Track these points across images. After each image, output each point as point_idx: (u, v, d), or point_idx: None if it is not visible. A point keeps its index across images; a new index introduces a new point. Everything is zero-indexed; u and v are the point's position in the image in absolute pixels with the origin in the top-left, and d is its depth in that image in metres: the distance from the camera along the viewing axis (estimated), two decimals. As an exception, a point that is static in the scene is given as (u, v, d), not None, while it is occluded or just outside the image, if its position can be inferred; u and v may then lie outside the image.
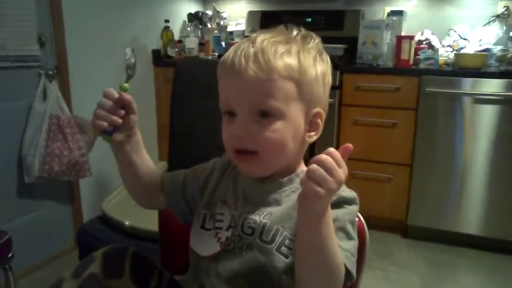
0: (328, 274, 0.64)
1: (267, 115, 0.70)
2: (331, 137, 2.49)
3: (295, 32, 0.75)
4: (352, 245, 0.71)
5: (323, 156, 0.56)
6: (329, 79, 0.77)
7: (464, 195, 2.35)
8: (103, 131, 0.73)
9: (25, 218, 2.08)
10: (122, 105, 0.73)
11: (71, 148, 2.05)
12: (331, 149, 0.57)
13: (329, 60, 0.77)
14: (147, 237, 1.44)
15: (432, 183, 2.40)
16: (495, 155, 2.26)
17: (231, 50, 0.73)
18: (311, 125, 0.75)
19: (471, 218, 2.36)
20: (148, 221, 1.36)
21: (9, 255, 1.40)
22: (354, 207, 0.74)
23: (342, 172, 0.57)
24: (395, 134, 2.44)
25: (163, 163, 2.09)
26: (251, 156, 0.72)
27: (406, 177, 2.45)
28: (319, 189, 0.55)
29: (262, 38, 0.71)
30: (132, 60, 0.83)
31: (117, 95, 0.73)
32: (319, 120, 0.75)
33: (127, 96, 0.74)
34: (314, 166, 0.56)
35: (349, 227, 0.71)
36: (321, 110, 0.75)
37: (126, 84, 0.76)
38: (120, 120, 0.73)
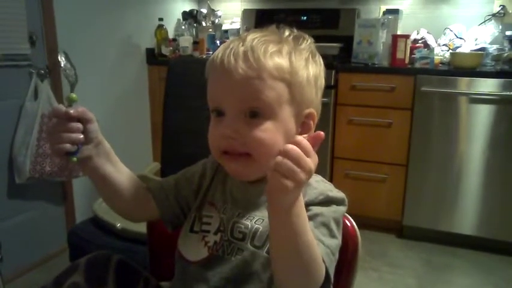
0: (303, 267, 0.61)
1: (256, 115, 0.67)
2: (326, 136, 2.47)
3: (287, 33, 0.73)
4: (335, 243, 0.68)
5: (289, 146, 0.53)
6: (322, 82, 0.75)
7: (460, 195, 2.35)
8: (66, 154, 0.68)
9: (16, 219, 2.05)
10: (76, 118, 0.69)
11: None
12: (299, 138, 0.54)
13: (322, 62, 0.75)
14: (139, 240, 1.42)
15: (428, 183, 2.39)
16: (491, 154, 2.25)
17: (221, 48, 0.71)
18: (303, 126, 0.72)
19: (467, 218, 2.36)
20: (140, 223, 1.34)
21: (-2, 259, 1.38)
22: (342, 208, 0.73)
23: (312, 162, 0.53)
24: (390, 134, 2.42)
25: (156, 163, 2.07)
26: (240, 156, 0.69)
27: (402, 177, 2.44)
28: (286, 182, 0.52)
29: (253, 37, 0.69)
30: (68, 65, 0.74)
31: (66, 111, 0.68)
32: (311, 122, 0.73)
33: (78, 108, 0.69)
34: (279, 158, 0.52)
35: (333, 225, 0.69)
36: (313, 110, 0.72)
37: (73, 95, 0.71)
38: (81, 136, 0.69)
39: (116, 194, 0.78)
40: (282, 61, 0.68)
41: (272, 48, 0.67)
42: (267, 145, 0.67)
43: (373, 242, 2.40)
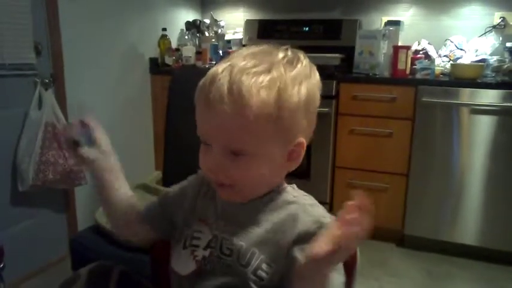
0: None
1: (239, 153, 0.67)
2: (327, 146, 2.48)
3: (280, 55, 0.69)
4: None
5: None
6: (315, 104, 0.72)
7: (461, 205, 2.35)
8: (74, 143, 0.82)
9: (19, 226, 2.06)
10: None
11: (66, 156, 2.03)
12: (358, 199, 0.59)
13: (318, 79, 0.73)
14: (140, 249, 1.43)
15: (429, 193, 2.40)
16: (492, 165, 2.25)
17: (210, 75, 0.68)
18: (291, 154, 0.71)
19: (468, 228, 2.36)
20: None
21: (1, 266, 1.39)
22: None
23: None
24: (391, 144, 2.43)
25: (158, 172, 2.08)
26: (226, 185, 0.71)
27: (403, 187, 2.45)
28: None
29: (242, 68, 0.65)
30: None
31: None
32: (300, 149, 0.72)
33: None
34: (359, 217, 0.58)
35: None
36: (302, 140, 0.70)
37: None
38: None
39: (110, 209, 0.82)
40: (269, 96, 0.64)
41: (261, 81, 0.64)
42: (250, 180, 0.70)
43: (373, 251, 2.40)
